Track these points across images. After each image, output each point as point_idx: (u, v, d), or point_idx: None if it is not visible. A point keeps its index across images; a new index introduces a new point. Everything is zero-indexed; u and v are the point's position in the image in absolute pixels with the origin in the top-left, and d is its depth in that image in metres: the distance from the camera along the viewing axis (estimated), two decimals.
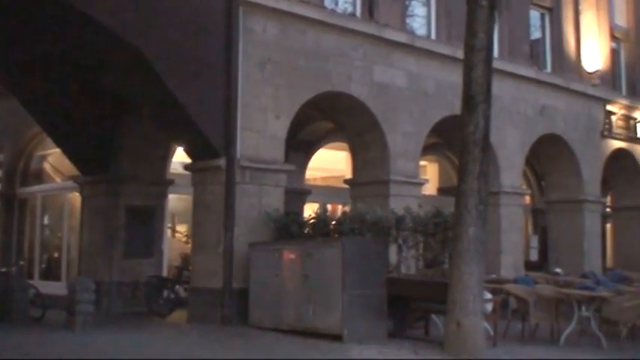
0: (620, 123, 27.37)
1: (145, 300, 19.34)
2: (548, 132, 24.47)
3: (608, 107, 26.86)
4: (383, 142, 19.58)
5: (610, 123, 26.87)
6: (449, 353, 13.09)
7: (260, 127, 17.11)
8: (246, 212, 16.71)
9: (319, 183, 25.86)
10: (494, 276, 19.21)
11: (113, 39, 15.17)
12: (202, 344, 14.07)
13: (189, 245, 19.15)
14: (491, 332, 14.71)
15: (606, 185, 28.34)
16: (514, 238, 23.01)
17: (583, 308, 15.61)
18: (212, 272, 16.60)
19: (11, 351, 12.86)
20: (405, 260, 16.65)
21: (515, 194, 23.24)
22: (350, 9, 20.28)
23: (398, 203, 18.34)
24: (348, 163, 21.75)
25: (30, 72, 18.71)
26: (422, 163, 22.91)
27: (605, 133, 26.70)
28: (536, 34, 26.06)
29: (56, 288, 20.44)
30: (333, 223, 16.63)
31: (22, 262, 21.25)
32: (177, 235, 23.41)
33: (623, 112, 27.49)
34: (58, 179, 24.72)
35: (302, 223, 17.03)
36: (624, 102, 27.70)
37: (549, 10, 26.17)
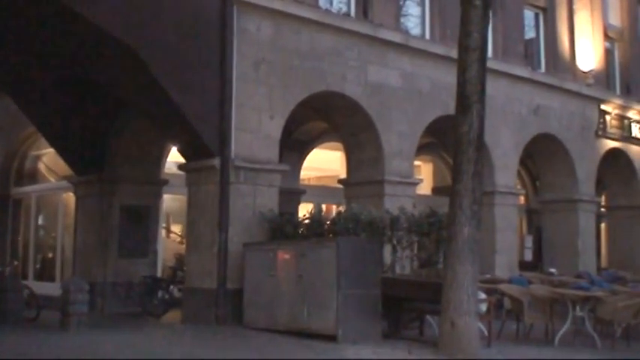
0: (615, 122, 27.38)
1: (140, 300, 19.35)
2: (543, 132, 24.48)
3: (603, 107, 26.87)
4: (377, 142, 19.57)
5: (604, 122, 26.88)
6: (443, 353, 13.07)
7: (254, 126, 17.10)
8: (240, 212, 16.70)
9: (314, 183, 25.88)
10: (488, 276, 19.23)
11: (108, 39, 15.15)
12: (196, 345, 14.05)
13: (184, 245, 19.13)
14: (486, 332, 14.69)
15: (600, 185, 28.35)
16: (508, 238, 23.01)
17: (577, 308, 15.62)
18: (206, 272, 16.59)
19: (5, 352, 12.84)
20: (400, 260, 16.64)
21: (509, 194, 23.24)
22: (344, 9, 20.27)
23: (392, 203, 18.35)
24: (343, 163, 21.73)
25: (24, 72, 18.70)
26: (416, 163, 22.91)
27: (600, 132, 26.71)
28: (530, 34, 26.06)
29: (50, 288, 20.44)
30: (328, 223, 16.59)
31: (16, 263, 21.29)
32: (171, 236, 23.39)
33: (617, 111, 27.50)
34: (52, 179, 24.72)
35: (296, 223, 17.02)
36: (618, 101, 27.72)
37: (543, 9, 26.18)
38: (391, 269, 16.40)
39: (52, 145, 21.48)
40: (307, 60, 18.11)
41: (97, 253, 20.26)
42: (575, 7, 26.68)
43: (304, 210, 19.28)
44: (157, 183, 21.06)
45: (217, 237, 16.45)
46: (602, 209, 30.29)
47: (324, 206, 22.39)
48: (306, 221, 16.86)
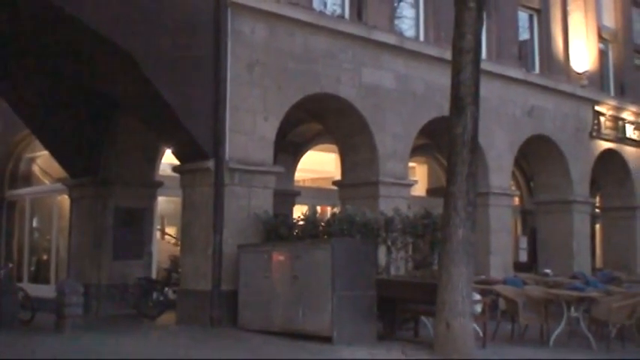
0: (609, 124, 27.42)
1: (134, 302, 19.31)
2: (537, 133, 24.49)
3: (597, 108, 26.90)
4: (372, 144, 19.58)
5: (599, 124, 26.91)
6: (438, 354, 13.09)
7: (249, 128, 17.09)
8: (235, 214, 16.69)
9: (308, 185, 25.89)
10: (483, 277, 19.24)
11: (102, 41, 15.13)
12: (191, 346, 14.04)
13: (179, 247, 19.12)
14: (481, 333, 14.71)
15: (595, 186, 28.39)
16: (503, 239, 23.02)
17: (572, 309, 15.66)
18: (201, 274, 16.58)
19: (0, 354, 12.83)
20: (395, 261, 16.64)
21: (504, 195, 23.25)
22: (338, 11, 20.28)
23: (387, 204, 18.38)
24: (337, 164, 21.75)
25: (18, 74, 18.67)
26: (411, 164, 22.87)
27: (594, 133, 26.74)
28: (524, 36, 26.09)
29: (45, 291, 20.42)
30: (322, 224, 16.60)
31: (10, 265, 21.18)
32: (166, 237, 23.37)
33: (611, 112, 27.54)
34: (46, 182, 24.71)
35: (291, 225, 17.01)
36: (613, 103, 27.76)
37: (537, 11, 26.21)
38: (386, 270, 16.39)
39: (47, 147, 21.47)
40: (301, 62, 18.12)
41: (92, 255, 20.25)
42: (569, 8, 26.72)
43: (299, 212, 19.25)
44: (152, 185, 21.05)
45: (212, 239, 16.43)
46: (597, 210, 30.32)
47: (318, 208, 22.38)
48: (301, 223, 16.85)
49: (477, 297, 14.68)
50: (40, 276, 24.13)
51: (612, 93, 28.86)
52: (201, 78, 16.54)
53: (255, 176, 17.12)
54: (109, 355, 12.97)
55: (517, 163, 25.67)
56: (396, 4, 21.91)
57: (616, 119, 27.78)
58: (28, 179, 25.72)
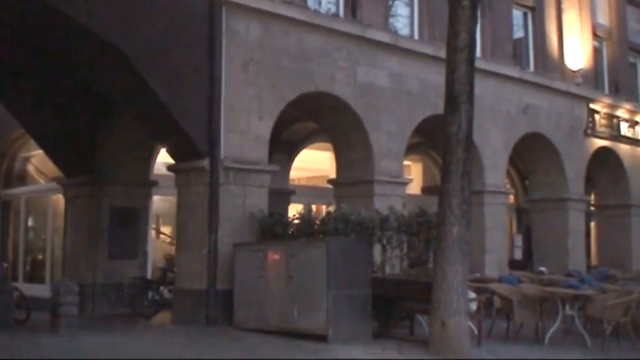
0: (604, 121, 27.45)
1: (130, 302, 19.30)
2: (532, 131, 24.51)
3: (592, 106, 26.93)
4: (367, 142, 19.57)
5: (593, 121, 26.94)
6: (433, 353, 13.10)
7: (243, 127, 17.08)
8: (230, 213, 16.68)
9: (303, 183, 25.88)
10: (478, 275, 19.24)
11: (96, 40, 15.13)
12: (187, 345, 14.05)
13: (174, 246, 19.12)
14: (476, 331, 14.73)
15: (590, 183, 28.42)
16: (498, 237, 23.03)
17: (567, 307, 15.69)
18: (196, 273, 16.57)
19: None
20: (390, 260, 16.63)
21: (499, 193, 23.26)
22: (333, 9, 20.27)
23: (382, 203, 18.36)
24: (332, 163, 21.74)
25: (13, 74, 18.66)
26: (406, 162, 22.93)
27: (589, 131, 26.76)
28: (518, 34, 26.09)
29: (40, 290, 20.44)
30: (317, 223, 16.61)
31: (5, 265, 21.18)
32: (161, 237, 23.37)
33: (606, 110, 27.57)
34: (41, 181, 24.70)
35: (286, 224, 17.01)
36: (607, 100, 27.79)
37: (532, 9, 26.21)
38: (381, 269, 16.39)
39: (41, 146, 21.45)
40: (296, 60, 18.11)
41: (87, 255, 20.25)
42: (564, 6, 26.73)
43: (294, 210, 19.25)
44: (147, 184, 21.04)
45: (207, 238, 16.41)
46: (592, 208, 30.37)
47: (313, 206, 22.40)
48: (296, 221, 16.86)
49: (472, 295, 14.70)
50: (35, 275, 24.13)
51: (607, 91, 28.87)
52: (196, 77, 16.53)
53: (251, 175, 17.11)
54: (104, 355, 12.97)
55: (512, 161, 25.69)
56: (390, 3, 21.93)
57: (610, 117, 27.81)
58: (23, 178, 25.72)
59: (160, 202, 22.17)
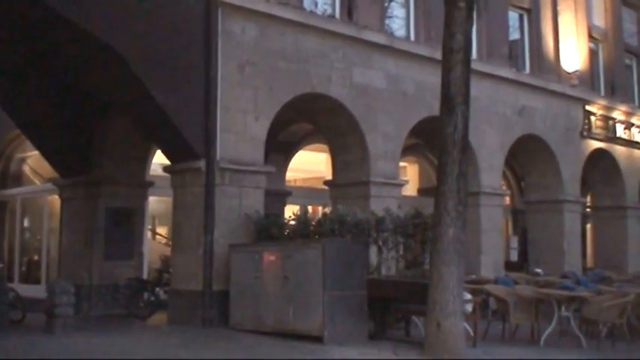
0: (599, 123, 27.50)
1: (125, 302, 19.29)
2: (528, 132, 24.54)
3: (587, 107, 26.97)
4: (363, 144, 19.58)
5: (589, 123, 26.98)
6: (429, 354, 13.09)
7: (239, 128, 17.08)
8: (226, 214, 16.68)
9: (299, 184, 25.90)
10: (474, 276, 19.28)
11: (93, 41, 15.11)
12: (183, 346, 14.01)
13: (170, 247, 19.10)
14: (472, 333, 14.73)
15: (586, 185, 28.43)
16: (494, 238, 23.05)
17: (563, 308, 15.69)
18: (192, 274, 16.56)
19: None
20: (386, 261, 16.65)
21: (495, 195, 23.29)
22: (329, 10, 20.27)
23: (378, 204, 18.40)
24: (328, 164, 21.74)
25: (8, 74, 18.63)
26: (402, 164, 22.92)
27: (584, 133, 26.81)
28: (514, 35, 26.11)
29: (36, 291, 20.38)
30: (313, 224, 16.61)
31: (1, 265, 21.14)
32: (157, 238, 23.35)
33: (601, 112, 27.62)
34: (37, 182, 24.67)
35: (282, 225, 17.02)
36: (603, 102, 27.83)
37: (528, 11, 26.25)
38: (377, 270, 16.40)
39: (37, 147, 21.43)
40: (292, 62, 18.11)
41: (83, 256, 20.22)
42: (560, 8, 26.77)
43: (290, 211, 19.27)
44: (143, 185, 21.02)
45: (203, 239, 16.42)
46: (588, 209, 30.39)
47: (309, 208, 22.43)
48: (292, 223, 16.87)
49: (468, 296, 14.70)
50: (30, 276, 24.11)
51: (602, 92, 28.93)
52: (192, 78, 16.53)
53: (246, 176, 17.11)
54: (99, 356, 12.96)
55: (508, 162, 25.72)
56: (386, 4, 21.92)
57: (606, 119, 27.87)
58: (18, 179, 25.69)
59: (156, 203, 22.16)
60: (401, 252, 17.09)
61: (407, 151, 22.27)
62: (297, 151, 24.16)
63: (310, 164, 25.55)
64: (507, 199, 27.92)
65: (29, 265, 24.80)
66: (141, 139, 19.95)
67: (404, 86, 20.57)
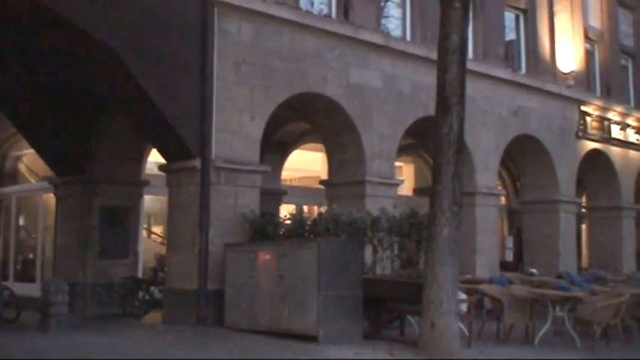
0: (595, 124, 27.54)
1: (120, 301, 19.28)
2: (523, 133, 24.56)
3: (583, 108, 27.00)
4: (358, 143, 19.58)
5: (585, 124, 27.02)
6: (423, 353, 13.11)
7: (235, 127, 17.07)
8: (221, 213, 16.67)
9: (295, 184, 25.90)
10: (469, 276, 19.32)
11: (89, 40, 15.09)
12: (178, 345, 14.03)
13: (165, 246, 19.09)
14: (466, 332, 14.76)
15: (581, 186, 28.49)
16: (489, 238, 23.07)
17: (557, 308, 15.71)
18: (187, 273, 16.55)
19: None
20: (381, 261, 16.66)
21: (490, 195, 23.30)
22: (325, 10, 20.28)
23: (373, 204, 18.40)
24: (324, 163, 21.76)
25: (3, 73, 18.60)
26: (397, 163, 22.95)
27: (580, 134, 26.84)
28: (510, 36, 26.15)
29: (31, 289, 20.36)
30: (309, 224, 16.62)
31: None
32: (152, 236, 23.34)
33: (597, 113, 27.66)
34: (32, 180, 24.62)
35: (277, 224, 17.01)
36: (599, 103, 27.87)
37: (524, 11, 26.27)
38: (372, 270, 16.41)
39: (32, 146, 21.39)
40: (288, 61, 18.11)
41: (78, 254, 20.20)
42: (556, 8, 26.79)
43: (285, 211, 19.27)
44: (138, 184, 21.00)
45: (198, 238, 16.41)
46: (583, 210, 30.44)
47: (305, 207, 22.43)
48: (288, 222, 16.86)
49: (463, 296, 14.70)
50: (25, 274, 24.06)
51: (598, 93, 28.96)
52: (188, 77, 16.53)
53: (242, 175, 17.11)
54: (94, 355, 12.95)
55: (503, 163, 25.75)
56: (382, 4, 21.96)
57: (602, 119, 27.91)
58: (14, 177, 25.65)
59: (151, 202, 22.15)
60: (396, 252, 17.10)
61: (402, 150, 22.27)
62: (292, 151, 24.16)
63: (306, 164, 25.56)
64: (503, 200, 27.93)
65: (24, 263, 24.76)
66: (136, 138, 19.93)
67: (400, 86, 20.58)
